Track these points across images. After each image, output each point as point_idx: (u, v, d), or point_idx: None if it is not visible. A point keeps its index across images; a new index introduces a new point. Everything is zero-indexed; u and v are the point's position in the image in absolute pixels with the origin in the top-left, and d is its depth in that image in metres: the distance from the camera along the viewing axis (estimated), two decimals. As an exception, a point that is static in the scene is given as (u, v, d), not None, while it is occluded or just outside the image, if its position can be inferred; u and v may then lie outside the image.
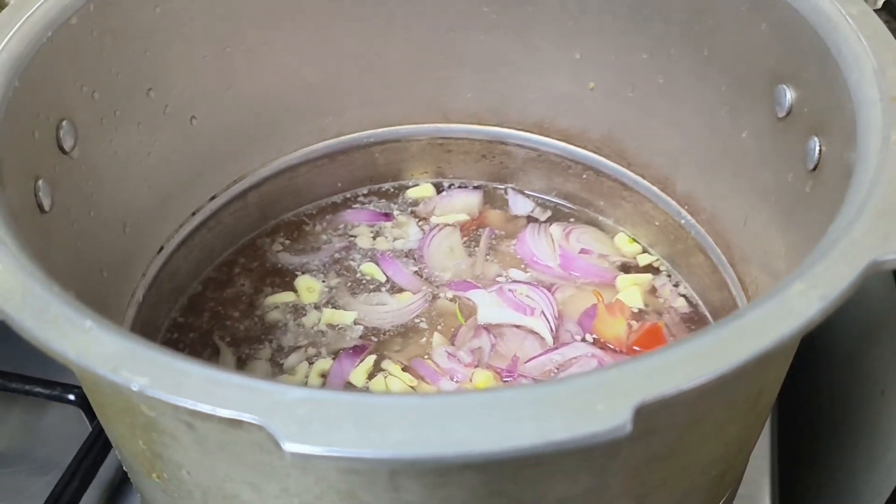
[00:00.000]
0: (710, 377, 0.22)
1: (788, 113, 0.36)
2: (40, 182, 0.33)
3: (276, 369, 0.45)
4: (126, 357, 0.22)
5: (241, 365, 0.45)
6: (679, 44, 0.42)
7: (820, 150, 0.34)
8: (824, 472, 0.66)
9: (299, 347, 0.46)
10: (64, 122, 0.35)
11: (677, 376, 0.22)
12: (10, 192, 0.29)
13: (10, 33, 0.33)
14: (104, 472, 0.49)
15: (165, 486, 0.29)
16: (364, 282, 0.49)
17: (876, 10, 0.37)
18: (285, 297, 0.48)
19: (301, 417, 0.21)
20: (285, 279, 0.49)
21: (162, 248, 0.45)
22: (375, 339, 0.46)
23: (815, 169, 0.34)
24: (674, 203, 0.47)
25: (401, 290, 0.49)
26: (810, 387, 0.72)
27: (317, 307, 0.48)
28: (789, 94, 0.36)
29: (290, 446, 0.20)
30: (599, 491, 0.27)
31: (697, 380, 0.22)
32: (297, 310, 0.48)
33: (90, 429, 0.50)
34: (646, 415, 0.21)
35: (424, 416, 0.21)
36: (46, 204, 0.33)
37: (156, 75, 0.41)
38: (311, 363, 0.45)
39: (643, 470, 0.27)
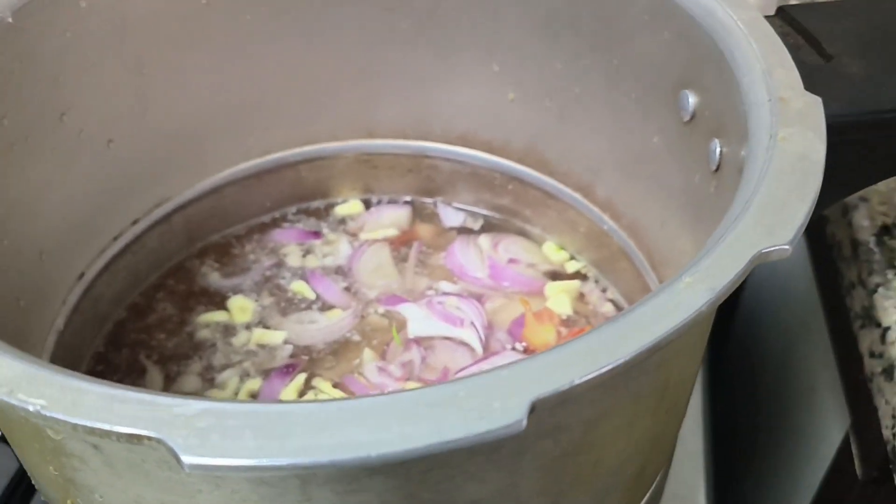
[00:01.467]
0: (601, 370, 0.22)
1: (692, 117, 0.38)
2: (-55, 210, 0.33)
3: (207, 384, 0.45)
4: (23, 379, 0.22)
5: (170, 382, 0.45)
6: (590, 54, 0.43)
7: (721, 152, 0.35)
8: (761, 470, 0.68)
9: (232, 365, 0.46)
10: (-29, 150, 0.35)
11: (570, 372, 0.22)
12: None
13: None
14: (35, 508, 0.48)
15: (80, 513, 0.29)
16: (295, 300, 0.49)
17: (770, 16, 0.39)
18: (217, 316, 0.48)
19: (200, 430, 0.21)
20: (215, 300, 0.49)
21: (83, 275, 0.45)
22: (306, 358, 0.46)
23: (717, 169, 0.35)
24: (596, 209, 0.48)
25: (331, 307, 0.49)
26: (744, 386, 0.73)
27: (247, 327, 0.48)
28: (692, 99, 0.37)
29: (189, 459, 0.20)
30: (511, 490, 0.27)
31: (589, 374, 0.22)
32: (228, 329, 0.48)
33: (17, 465, 0.49)
34: (544, 411, 0.22)
35: (323, 422, 0.21)
36: (-48, 232, 0.33)
37: (69, 100, 0.41)
38: (241, 381, 0.45)
39: (554, 467, 0.27)
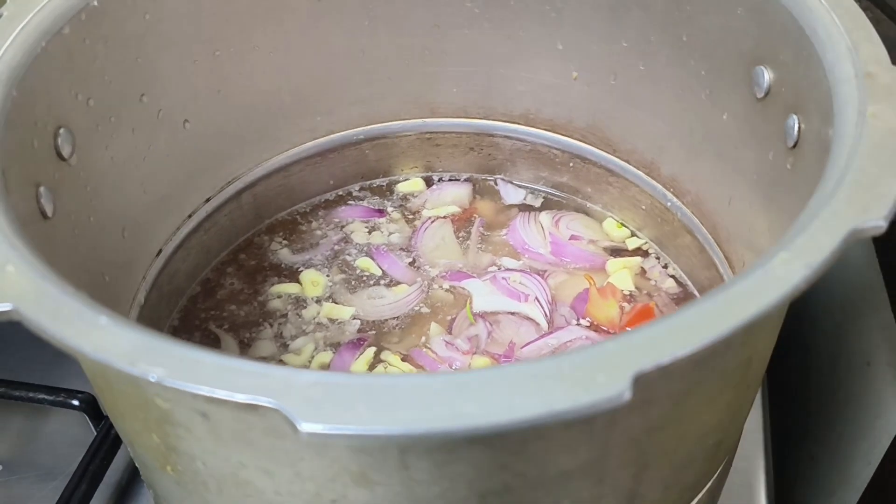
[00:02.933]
0: (702, 345, 0.23)
1: (767, 93, 0.37)
2: (42, 189, 0.34)
3: (282, 349, 0.46)
4: (142, 350, 0.23)
5: (245, 348, 0.46)
6: (658, 31, 0.43)
7: (799, 128, 0.35)
8: (817, 444, 0.68)
9: (304, 334, 0.47)
10: (61, 130, 0.36)
11: (672, 345, 0.23)
12: (14, 199, 0.30)
13: (6, 44, 0.33)
14: (111, 476, 0.50)
15: (179, 479, 0.30)
16: (363, 278, 0.50)
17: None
18: (290, 287, 0.49)
19: (314, 399, 0.22)
20: (286, 274, 0.50)
21: (160, 251, 0.46)
22: (374, 332, 0.47)
23: (794, 146, 0.35)
24: (659, 186, 0.48)
25: (397, 283, 0.50)
26: (800, 361, 0.73)
27: (318, 301, 0.49)
28: (767, 75, 0.37)
29: (305, 426, 0.21)
30: (600, 462, 0.28)
31: (690, 348, 0.23)
32: (299, 301, 0.49)
33: (94, 433, 0.51)
34: (643, 384, 0.22)
35: (432, 393, 0.22)
36: (49, 210, 0.34)
37: (148, 81, 0.42)
38: (315, 349, 0.46)
39: (642, 440, 0.28)
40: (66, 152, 0.36)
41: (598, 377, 0.22)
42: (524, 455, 0.26)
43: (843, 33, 0.32)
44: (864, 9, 0.38)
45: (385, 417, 0.22)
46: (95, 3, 0.37)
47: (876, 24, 0.37)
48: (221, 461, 0.28)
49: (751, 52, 0.38)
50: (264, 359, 0.47)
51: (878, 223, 0.25)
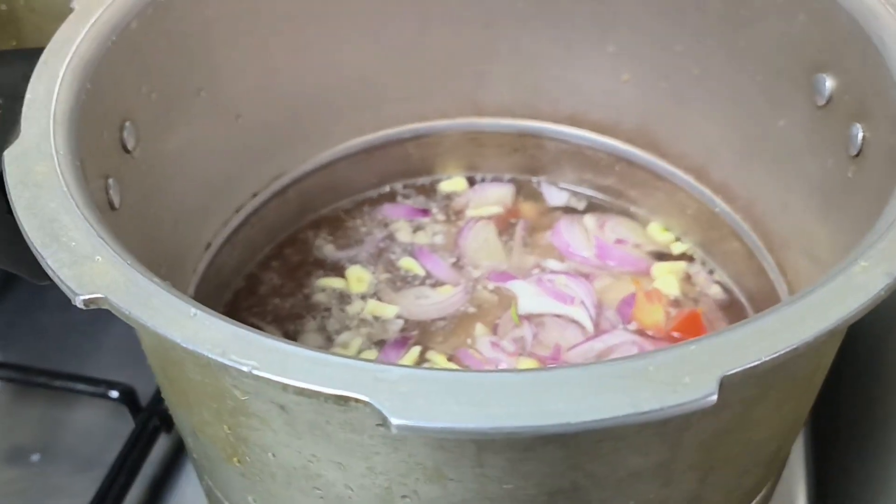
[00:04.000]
0: (787, 349, 0.23)
1: (828, 101, 0.37)
2: (110, 181, 0.34)
3: (328, 343, 0.46)
4: (233, 341, 0.23)
5: (291, 339, 0.47)
6: (715, 35, 0.43)
7: (863, 137, 0.35)
8: (858, 451, 0.67)
9: (348, 329, 0.47)
10: (127, 123, 0.36)
11: (756, 349, 0.23)
12: (91, 191, 0.30)
13: (80, 38, 0.34)
14: (148, 468, 0.50)
15: (246, 470, 0.30)
16: (408, 278, 0.50)
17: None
18: (336, 282, 0.50)
19: (404, 394, 0.22)
20: (329, 271, 0.51)
21: (209, 244, 0.47)
22: (416, 332, 0.47)
23: (857, 155, 0.35)
24: (708, 192, 0.48)
25: (441, 284, 0.50)
26: (842, 368, 0.73)
27: (363, 297, 0.49)
28: (829, 83, 0.37)
29: (396, 420, 0.22)
30: (669, 464, 0.28)
31: (775, 353, 0.23)
32: (343, 297, 0.49)
33: (132, 425, 0.51)
34: (728, 386, 0.23)
35: (521, 390, 0.22)
36: (116, 201, 0.34)
37: (206, 75, 0.42)
38: (360, 350, 0.46)
39: (710, 444, 0.28)
40: (130, 145, 0.37)
41: (685, 378, 0.22)
42: (596, 455, 0.26)
43: (913, 42, 0.32)
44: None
45: (475, 413, 0.22)
46: (162, -2, 0.38)
47: (941, 33, 0.37)
48: (294, 453, 0.28)
49: (812, 59, 0.38)
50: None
51: (959, 232, 0.25)
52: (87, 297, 0.24)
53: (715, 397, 0.22)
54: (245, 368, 0.23)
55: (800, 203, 0.41)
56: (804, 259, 0.41)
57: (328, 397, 0.22)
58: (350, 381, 0.22)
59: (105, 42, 0.35)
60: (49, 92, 0.32)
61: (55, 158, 0.29)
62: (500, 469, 0.26)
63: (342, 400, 0.22)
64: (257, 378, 0.23)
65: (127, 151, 0.37)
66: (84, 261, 0.25)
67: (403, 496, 0.27)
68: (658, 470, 0.28)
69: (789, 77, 0.40)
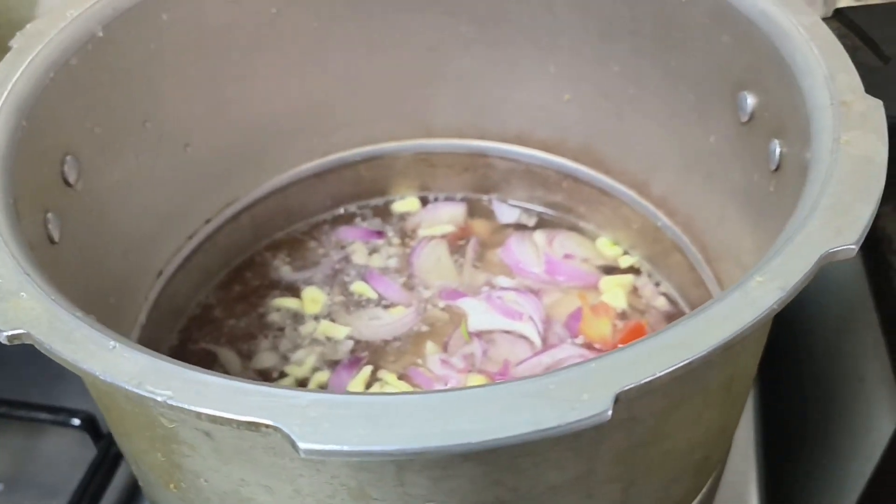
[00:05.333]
0: (680, 364, 0.24)
1: (751, 118, 0.39)
2: (49, 215, 0.35)
3: (283, 361, 0.48)
4: (149, 372, 0.24)
5: (245, 360, 0.48)
6: (648, 56, 0.44)
7: (781, 152, 0.36)
8: (810, 459, 0.68)
9: (300, 348, 0.48)
10: (68, 157, 0.37)
11: (651, 365, 0.24)
12: (25, 226, 0.31)
13: (16, 76, 0.35)
14: (110, 494, 0.50)
15: (183, 496, 0.31)
16: (361, 301, 0.51)
17: (828, 19, 0.40)
18: (290, 302, 0.51)
19: (313, 419, 0.23)
20: (284, 292, 0.51)
21: (161, 272, 0.47)
22: (367, 352, 0.48)
23: (777, 169, 0.36)
24: (651, 206, 0.50)
25: (394, 305, 0.51)
26: (793, 377, 0.74)
27: (316, 318, 0.50)
28: (750, 100, 0.38)
29: (304, 445, 0.22)
30: (588, 477, 0.29)
31: (669, 367, 0.24)
32: (297, 317, 0.50)
33: (94, 451, 0.52)
34: (626, 402, 0.24)
35: (428, 412, 0.23)
36: (56, 235, 0.35)
37: (151, 107, 0.43)
38: (315, 368, 0.47)
39: (628, 456, 0.29)
40: (72, 179, 0.37)
41: (583, 395, 0.23)
42: (515, 470, 0.27)
43: (821, 62, 0.33)
44: (843, 36, 0.39)
45: (382, 436, 0.23)
46: (101, 34, 0.38)
47: (854, 51, 0.38)
48: (224, 478, 0.29)
49: (735, 77, 0.39)
50: (266, 370, 0.48)
51: (849, 247, 0.26)
52: (10, 332, 0.25)
53: (610, 412, 0.23)
54: (160, 398, 0.23)
55: (732, 217, 0.42)
56: (738, 270, 0.42)
57: (241, 423, 0.23)
58: (262, 408, 0.23)
59: (43, 79, 0.36)
60: (-17, 131, 0.32)
61: (-14, 197, 0.30)
62: (423, 487, 0.27)
63: (253, 426, 0.23)
64: (173, 407, 0.24)
65: (69, 185, 0.37)
66: (9, 297, 0.26)
67: (332, 516, 0.28)
68: (578, 483, 0.29)
69: (716, 95, 0.41)
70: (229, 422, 0.23)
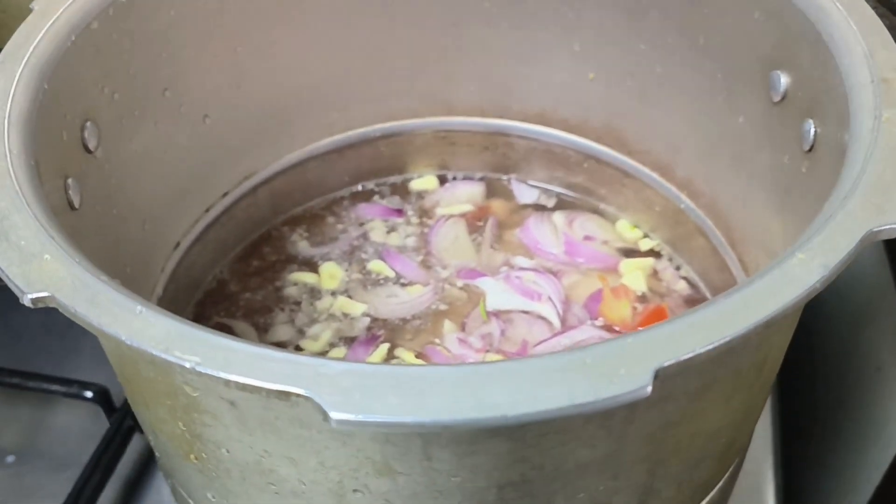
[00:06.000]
0: (721, 341, 0.23)
1: (783, 97, 0.38)
2: (70, 180, 0.34)
3: (298, 335, 0.47)
4: (177, 338, 0.24)
5: (261, 333, 0.47)
6: (675, 34, 0.43)
7: (815, 132, 0.35)
8: (827, 448, 0.68)
9: (317, 322, 0.48)
10: (88, 123, 0.37)
11: (692, 341, 0.23)
12: (47, 191, 0.30)
13: (37, 39, 0.34)
14: (122, 468, 0.50)
15: (203, 467, 0.31)
16: (379, 280, 0.51)
17: (864, -2, 0.39)
18: (307, 277, 0.50)
19: (345, 388, 0.22)
20: (302, 266, 0.51)
21: (178, 244, 0.47)
22: (385, 330, 0.48)
23: (810, 150, 0.36)
24: (674, 188, 0.49)
25: (411, 283, 0.50)
26: (810, 366, 0.74)
27: (333, 294, 0.49)
28: (783, 80, 0.38)
29: (336, 415, 0.22)
30: (616, 457, 0.28)
31: (710, 344, 0.23)
32: (314, 292, 0.50)
33: (107, 425, 0.51)
34: (664, 378, 0.23)
35: (459, 383, 0.23)
36: (76, 201, 0.35)
37: (171, 76, 0.42)
38: (331, 343, 0.47)
39: (658, 436, 0.28)
40: (92, 145, 0.37)
41: (620, 370, 0.23)
42: (543, 447, 0.27)
43: (860, 39, 0.33)
44: (881, 16, 0.38)
45: (414, 407, 0.22)
46: (123, -1, 0.38)
47: (892, 30, 0.37)
48: (246, 449, 0.28)
49: (767, 56, 0.39)
50: (282, 343, 0.48)
51: (894, 225, 0.26)
52: (34, 295, 0.25)
53: (650, 388, 0.22)
54: (188, 364, 0.23)
55: (759, 199, 0.41)
56: (763, 254, 0.42)
57: (270, 392, 0.23)
58: (291, 376, 0.23)
59: (64, 42, 0.35)
60: (4, 92, 0.32)
61: (7, 158, 0.29)
62: (448, 462, 0.26)
63: (283, 395, 0.23)
64: (201, 374, 0.23)
65: (89, 151, 0.37)
66: (32, 259, 0.26)
67: (355, 490, 0.28)
68: (605, 463, 0.28)
69: (747, 74, 0.40)
70: (258, 390, 0.23)
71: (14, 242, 0.26)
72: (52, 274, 0.25)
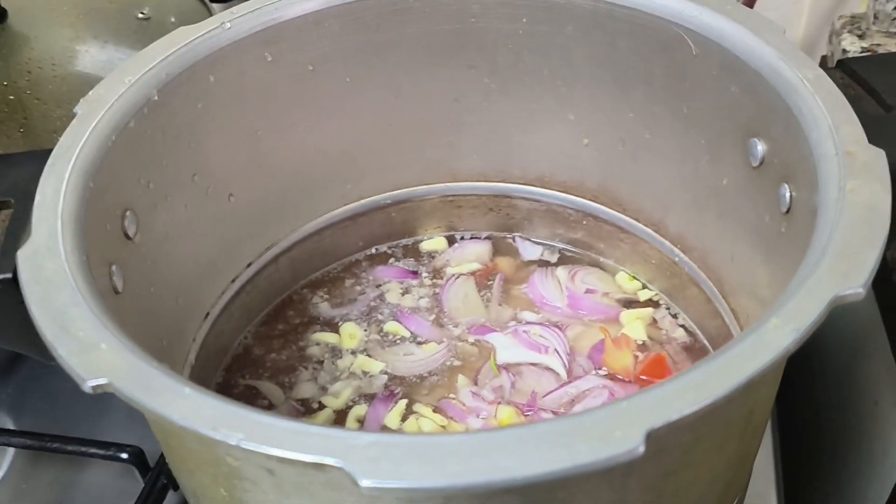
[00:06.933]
0: (705, 403, 0.26)
1: (761, 163, 0.41)
2: (113, 267, 0.38)
3: (321, 392, 0.50)
4: (222, 417, 0.27)
5: (286, 391, 0.51)
6: (661, 104, 0.47)
7: (791, 196, 0.38)
8: (829, 481, 0.70)
9: (338, 380, 0.51)
10: (128, 213, 0.40)
11: (679, 404, 0.26)
12: (95, 279, 0.34)
13: (82, 141, 0.38)
14: (157, 526, 0.53)
15: (243, 527, 0.34)
16: (396, 340, 0.54)
17: (832, 69, 0.42)
18: (329, 337, 0.54)
19: (372, 457, 0.26)
20: (324, 327, 0.55)
21: (208, 314, 0.50)
22: (402, 387, 0.51)
23: (787, 212, 0.39)
24: (667, 243, 0.52)
25: (426, 341, 0.53)
26: (810, 401, 0.76)
27: (353, 353, 0.53)
28: (761, 147, 0.41)
29: (366, 482, 0.25)
30: (621, 506, 0.31)
31: (695, 406, 0.26)
32: (335, 351, 0.53)
33: (142, 484, 0.54)
34: (655, 438, 0.26)
35: (474, 450, 0.26)
36: (119, 286, 0.38)
37: (199, 162, 0.46)
38: (351, 400, 0.50)
39: (657, 485, 0.31)
40: (131, 232, 0.40)
41: (616, 433, 0.26)
42: (552, 501, 0.29)
43: (826, 114, 0.36)
44: (847, 86, 0.42)
45: (433, 472, 0.25)
46: (156, 98, 0.42)
47: (857, 100, 0.41)
48: (283, 512, 0.31)
49: (745, 125, 0.42)
50: (305, 399, 0.51)
51: (858, 290, 0.29)
52: (94, 382, 0.28)
53: (643, 449, 0.25)
54: (233, 442, 0.26)
55: (745, 254, 0.44)
56: (752, 303, 0.45)
57: (307, 464, 0.26)
58: (325, 448, 0.26)
59: (106, 142, 0.39)
60: (56, 193, 0.35)
61: (63, 255, 0.32)
62: (467, 518, 0.29)
63: (318, 466, 0.26)
64: (245, 450, 0.26)
65: (129, 238, 0.40)
66: (90, 349, 0.29)
67: (383, 546, 0.30)
68: (611, 512, 0.31)
69: (728, 141, 0.44)
70: (295, 462, 0.26)
71: (73, 334, 0.30)
72: (108, 362, 0.29)
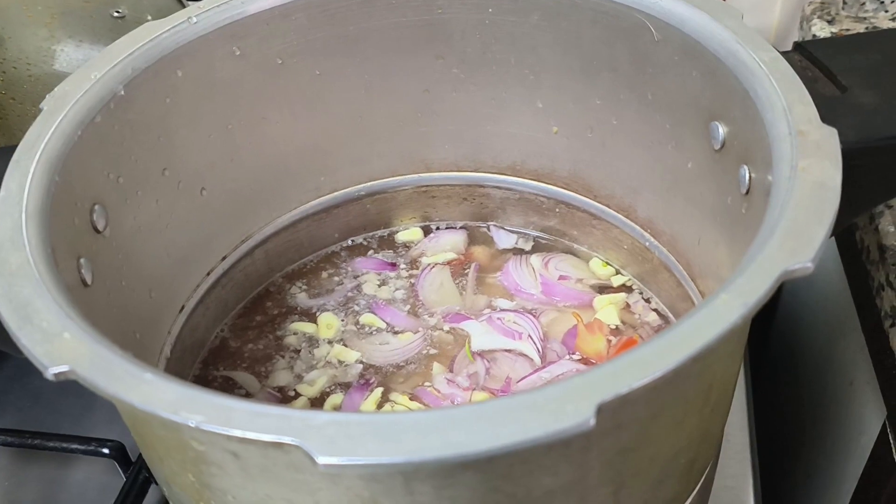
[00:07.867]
0: (655, 376, 0.27)
1: (723, 146, 0.42)
2: (82, 260, 0.38)
3: (296, 380, 0.51)
4: (182, 400, 0.27)
5: (262, 379, 0.51)
6: (626, 90, 0.48)
7: (750, 177, 0.39)
8: (806, 461, 0.71)
9: (314, 369, 0.52)
10: (96, 207, 0.41)
11: (629, 378, 0.27)
12: (62, 272, 0.34)
13: (47, 137, 0.38)
14: (140, 519, 0.53)
15: (213, 513, 0.34)
16: (371, 331, 0.54)
17: (789, 52, 0.43)
18: (306, 326, 0.54)
19: (329, 436, 0.26)
20: (301, 316, 0.55)
21: (183, 307, 0.51)
22: (378, 375, 0.51)
23: (747, 193, 0.39)
24: (637, 228, 0.53)
25: (402, 331, 0.54)
26: (787, 383, 0.77)
27: (329, 342, 0.53)
28: (721, 130, 0.42)
29: (322, 459, 0.25)
30: (580, 481, 0.32)
31: (645, 379, 0.27)
32: (312, 341, 0.53)
33: (123, 478, 0.55)
34: (608, 412, 0.27)
35: (429, 426, 0.26)
36: (88, 279, 0.38)
37: (169, 156, 0.46)
38: (327, 389, 0.51)
39: (616, 461, 0.32)
40: (100, 226, 0.41)
41: (567, 407, 0.26)
42: (512, 478, 0.30)
43: (780, 95, 0.37)
44: (805, 68, 0.42)
45: (388, 449, 0.26)
46: (122, 93, 0.42)
47: (814, 81, 0.42)
48: (250, 494, 0.32)
49: (707, 109, 0.43)
50: (281, 387, 0.51)
51: (806, 265, 0.29)
52: (56, 370, 0.28)
53: (593, 422, 0.26)
54: (192, 424, 0.27)
55: (710, 236, 0.45)
56: (718, 285, 0.45)
57: (266, 443, 0.26)
58: (283, 429, 0.26)
59: (72, 137, 0.39)
60: (21, 187, 0.36)
61: (27, 248, 0.33)
62: (429, 495, 0.30)
63: (276, 445, 0.26)
64: (205, 431, 0.27)
65: (98, 232, 0.41)
66: (53, 338, 0.29)
67: (348, 526, 0.31)
68: (571, 487, 0.32)
69: (691, 125, 0.44)
70: (255, 442, 0.26)
71: (37, 324, 0.30)
72: (72, 350, 0.29)
